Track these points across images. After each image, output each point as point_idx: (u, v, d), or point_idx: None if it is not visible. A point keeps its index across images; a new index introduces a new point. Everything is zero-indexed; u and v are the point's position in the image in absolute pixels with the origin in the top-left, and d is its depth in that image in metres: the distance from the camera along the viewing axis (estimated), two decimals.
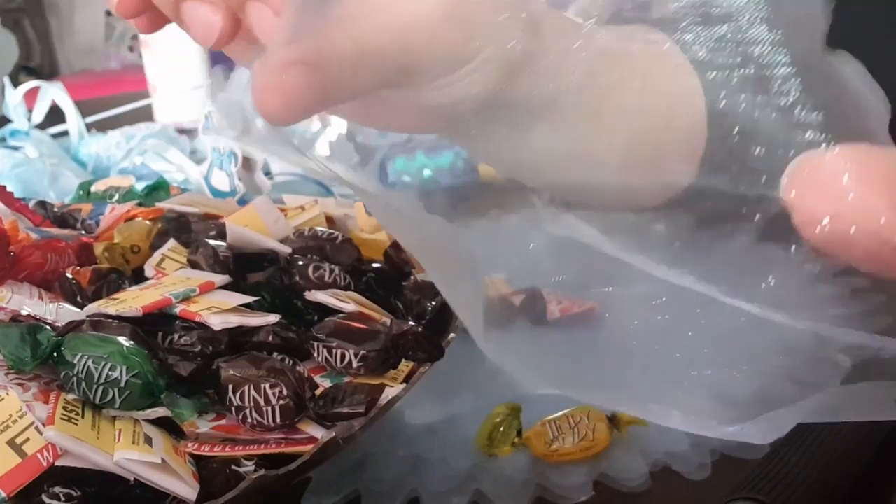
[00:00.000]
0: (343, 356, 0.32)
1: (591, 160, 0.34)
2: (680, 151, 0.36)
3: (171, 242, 0.39)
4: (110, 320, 0.32)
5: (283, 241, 0.39)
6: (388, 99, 0.29)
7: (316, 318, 0.35)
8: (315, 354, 0.33)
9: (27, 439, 0.28)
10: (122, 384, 0.29)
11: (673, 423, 0.29)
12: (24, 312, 0.34)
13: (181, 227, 0.40)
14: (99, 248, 0.40)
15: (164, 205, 0.44)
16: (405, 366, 0.33)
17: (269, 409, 0.30)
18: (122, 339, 0.30)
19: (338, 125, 0.86)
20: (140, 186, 0.62)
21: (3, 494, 0.27)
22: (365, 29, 0.26)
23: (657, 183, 0.37)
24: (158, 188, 0.59)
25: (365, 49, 0.26)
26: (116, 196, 0.61)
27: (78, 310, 0.34)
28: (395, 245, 0.41)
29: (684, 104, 0.36)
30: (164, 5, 0.28)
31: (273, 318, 0.33)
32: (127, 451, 0.28)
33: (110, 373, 0.30)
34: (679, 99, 0.36)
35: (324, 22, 0.26)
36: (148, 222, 0.41)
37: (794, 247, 0.33)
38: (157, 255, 0.38)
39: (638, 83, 0.35)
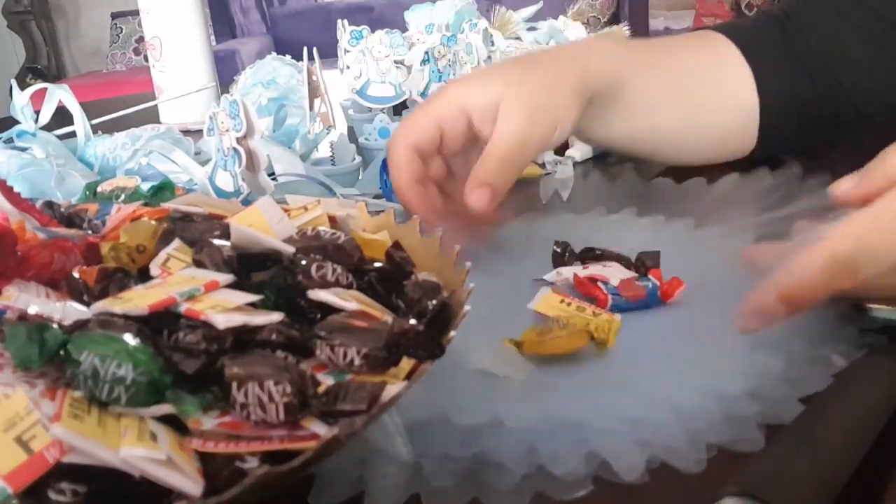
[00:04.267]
0: (345, 354, 0.33)
1: None
2: None
3: (177, 242, 0.39)
4: (116, 319, 0.32)
5: (287, 240, 0.39)
6: None
7: (319, 316, 0.36)
8: (318, 352, 0.33)
9: (34, 436, 0.28)
10: (128, 382, 0.30)
11: None
12: (31, 311, 0.34)
13: (186, 227, 0.40)
14: (105, 248, 0.40)
15: (169, 205, 0.45)
16: (406, 363, 0.33)
17: (273, 406, 0.30)
18: (127, 338, 0.31)
19: (340, 126, 0.86)
20: (145, 187, 0.62)
21: (11, 491, 0.27)
22: None
23: None
24: (163, 189, 0.60)
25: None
26: (122, 196, 0.61)
27: (84, 308, 0.35)
28: (397, 245, 0.41)
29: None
30: None
31: (277, 317, 0.33)
32: (133, 447, 0.28)
33: (116, 370, 0.30)
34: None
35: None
36: (153, 222, 0.41)
37: None
38: (162, 255, 0.38)
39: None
